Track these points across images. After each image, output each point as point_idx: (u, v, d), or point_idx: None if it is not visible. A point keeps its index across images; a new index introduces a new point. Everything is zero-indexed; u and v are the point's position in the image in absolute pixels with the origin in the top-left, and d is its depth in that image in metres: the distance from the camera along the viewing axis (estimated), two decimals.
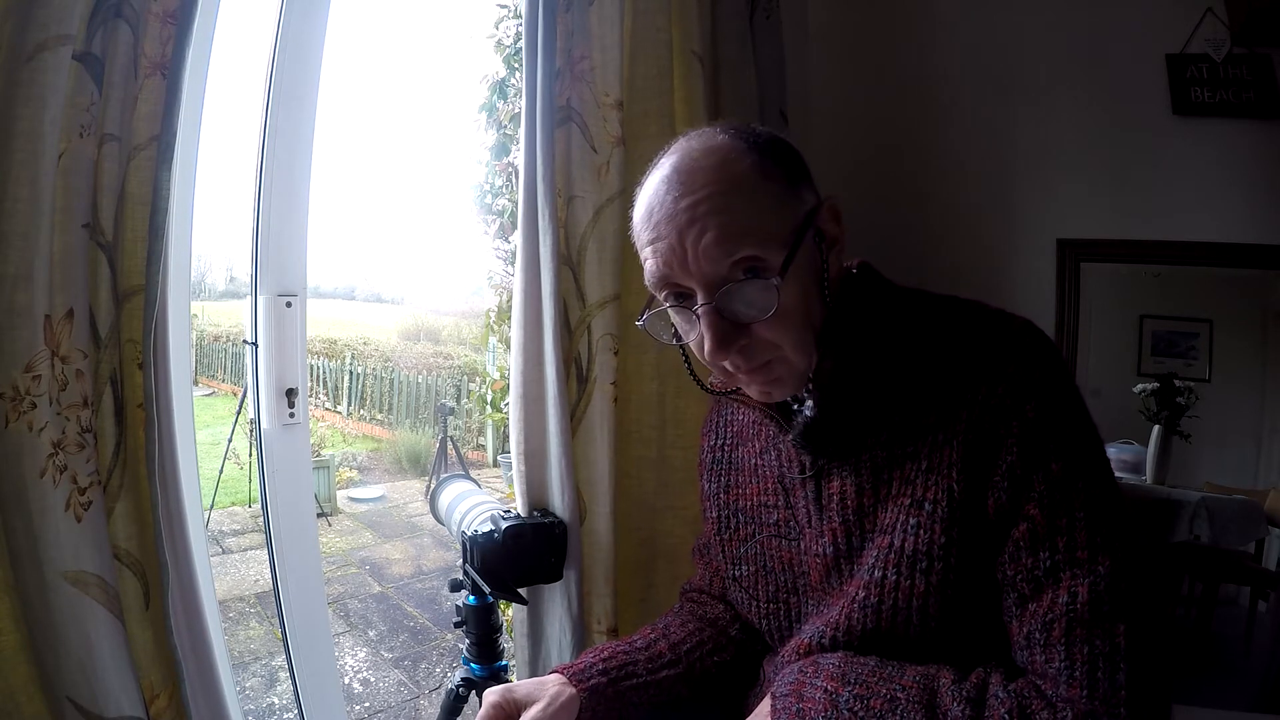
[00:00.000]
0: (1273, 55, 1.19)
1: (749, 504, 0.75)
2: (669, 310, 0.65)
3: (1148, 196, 1.24)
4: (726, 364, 0.62)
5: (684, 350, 0.68)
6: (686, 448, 1.11)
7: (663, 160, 0.64)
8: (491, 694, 0.70)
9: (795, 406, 0.69)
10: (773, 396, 0.66)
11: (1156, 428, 1.25)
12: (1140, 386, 1.26)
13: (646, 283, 0.64)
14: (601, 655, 0.74)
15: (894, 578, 0.60)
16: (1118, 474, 0.69)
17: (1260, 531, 1.21)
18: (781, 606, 0.72)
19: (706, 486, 0.81)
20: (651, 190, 0.62)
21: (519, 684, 0.71)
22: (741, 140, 0.62)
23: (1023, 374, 0.58)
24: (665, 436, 1.12)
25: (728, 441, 0.80)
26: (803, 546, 0.69)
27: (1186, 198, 1.22)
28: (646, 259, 0.63)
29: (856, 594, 0.62)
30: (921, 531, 0.59)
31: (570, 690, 0.70)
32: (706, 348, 0.60)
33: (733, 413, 0.81)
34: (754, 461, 0.75)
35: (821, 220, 0.63)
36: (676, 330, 0.66)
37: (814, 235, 0.63)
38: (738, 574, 0.76)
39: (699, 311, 0.60)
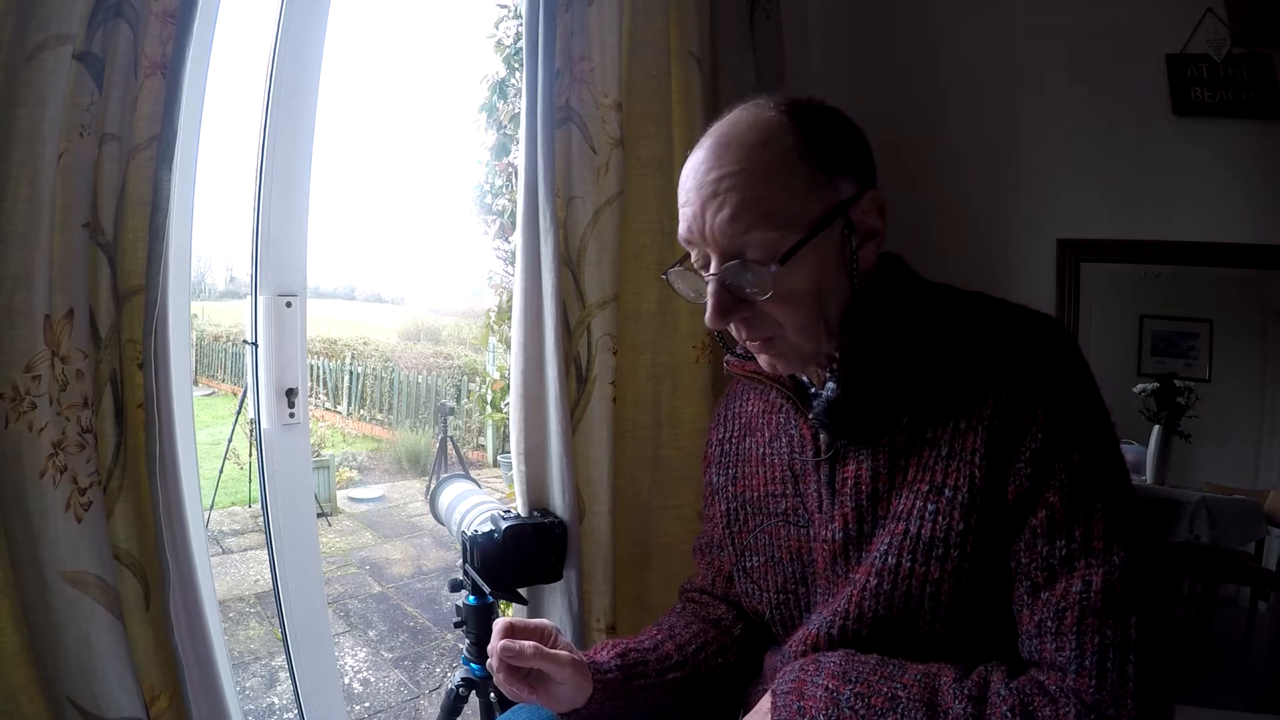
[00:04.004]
0: (1273, 55, 1.19)
1: (756, 494, 0.75)
2: (695, 271, 0.68)
3: (1148, 196, 1.23)
4: (734, 331, 0.66)
5: None
6: (682, 447, 1.11)
7: (713, 127, 0.66)
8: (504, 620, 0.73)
9: (813, 389, 0.70)
10: (777, 369, 0.69)
11: (1156, 428, 1.25)
12: (1140, 386, 1.26)
13: (679, 240, 0.68)
14: (616, 651, 0.75)
15: (909, 564, 0.60)
16: None
17: (1260, 531, 1.21)
18: (790, 597, 0.72)
19: (714, 480, 0.81)
20: (695, 155, 0.65)
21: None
22: (790, 118, 0.62)
23: (1049, 364, 0.59)
24: (660, 436, 1.12)
25: (735, 433, 0.81)
26: (811, 533, 0.69)
27: (1186, 198, 1.21)
28: (680, 219, 0.66)
29: (868, 581, 0.62)
30: (940, 518, 0.59)
31: (587, 674, 0.71)
32: (707, 314, 0.64)
33: (741, 405, 0.81)
34: (762, 451, 0.76)
35: (857, 212, 0.63)
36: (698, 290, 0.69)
37: (844, 226, 0.63)
38: (747, 565, 0.76)
39: (707, 278, 0.64)
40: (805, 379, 0.71)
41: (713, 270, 0.63)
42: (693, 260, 0.67)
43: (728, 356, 0.76)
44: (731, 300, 0.63)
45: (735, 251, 0.62)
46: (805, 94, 0.67)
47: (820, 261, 0.62)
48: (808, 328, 0.64)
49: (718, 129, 0.64)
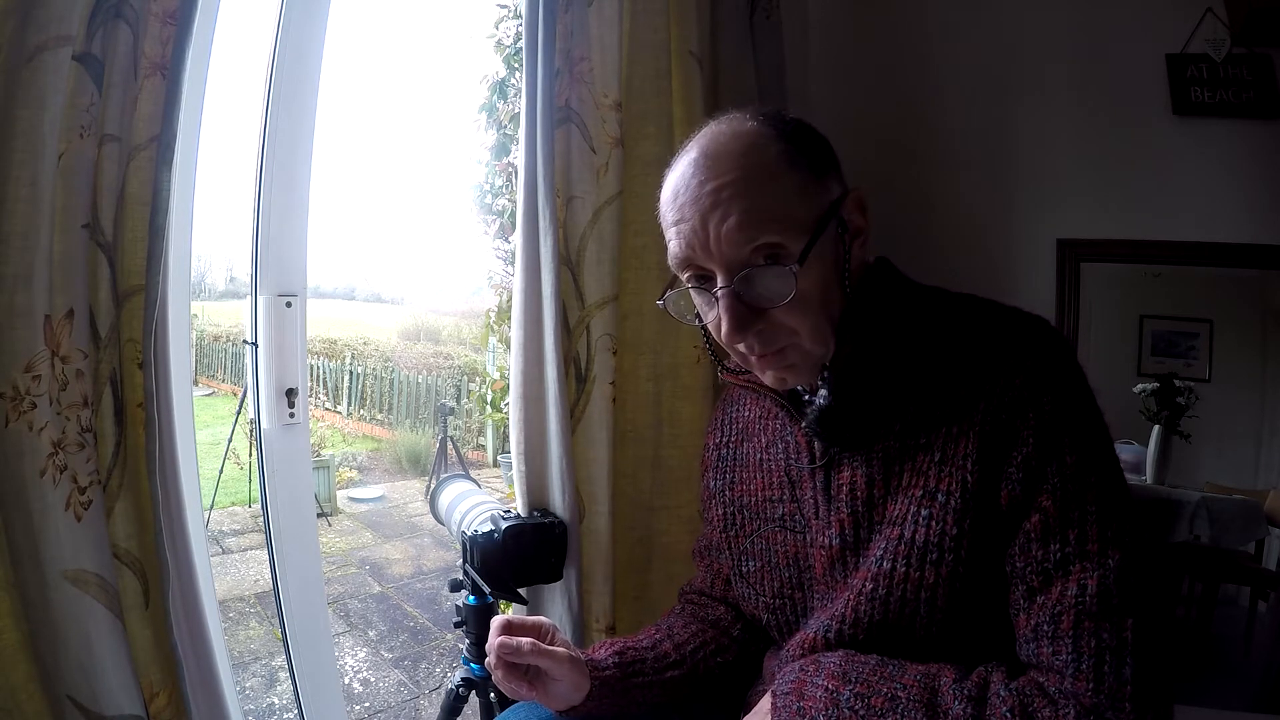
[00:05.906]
0: (1273, 55, 1.19)
1: (753, 499, 0.75)
2: (690, 291, 0.67)
3: (1148, 196, 1.23)
4: (742, 346, 0.64)
5: (705, 331, 0.69)
6: (682, 447, 1.11)
7: (692, 143, 0.65)
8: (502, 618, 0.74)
9: (807, 396, 0.69)
10: (786, 383, 0.67)
11: (1156, 428, 1.25)
12: (1140, 386, 1.26)
13: (669, 263, 0.66)
14: (614, 649, 0.75)
15: (903, 569, 0.60)
16: None
17: (1260, 531, 1.21)
18: (787, 602, 0.72)
19: (711, 484, 0.81)
20: (679, 173, 0.64)
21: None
22: (770, 126, 0.63)
23: (1041, 367, 0.58)
24: (661, 436, 1.12)
25: (732, 438, 0.81)
26: (809, 539, 0.69)
27: (1186, 198, 1.21)
28: (670, 240, 0.64)
29: (864, 586, 0.62)
30: (933, 523, 0.59)
31: (585, 672, 0.71)
32: (724, 330, 0.62)
33: (738, 410, 0.81)
34: (759, 456, 0.76)
35: (846, 210, 0.64)
36: (698, 311, 0.68)
37: (837, 225, 0.63)
38: (744, 570, 0.76)
39: (718, 294, 0.62)
40: (798, 386, 0.71)
41: (722, 283, 0.61)
42: (685, 280, 0.66)
43: (720, 369, 0.76)
44: (747, 311, 0.61)
45: (743, 261, 0.60)
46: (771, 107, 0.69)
47: (822, 263, 0.63)
48: (820, 330, 0.63)
49: (700, 144, 0.63)
